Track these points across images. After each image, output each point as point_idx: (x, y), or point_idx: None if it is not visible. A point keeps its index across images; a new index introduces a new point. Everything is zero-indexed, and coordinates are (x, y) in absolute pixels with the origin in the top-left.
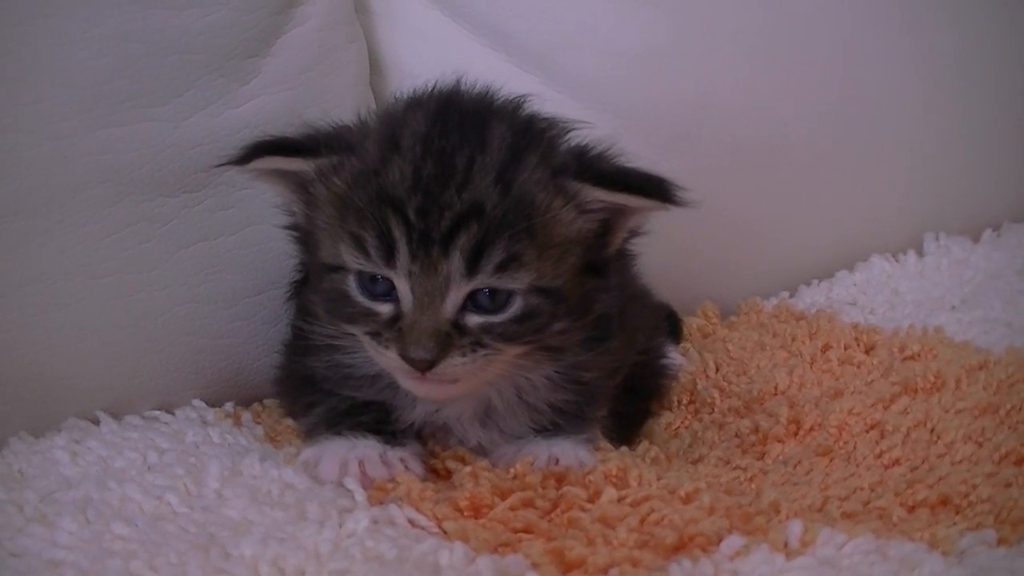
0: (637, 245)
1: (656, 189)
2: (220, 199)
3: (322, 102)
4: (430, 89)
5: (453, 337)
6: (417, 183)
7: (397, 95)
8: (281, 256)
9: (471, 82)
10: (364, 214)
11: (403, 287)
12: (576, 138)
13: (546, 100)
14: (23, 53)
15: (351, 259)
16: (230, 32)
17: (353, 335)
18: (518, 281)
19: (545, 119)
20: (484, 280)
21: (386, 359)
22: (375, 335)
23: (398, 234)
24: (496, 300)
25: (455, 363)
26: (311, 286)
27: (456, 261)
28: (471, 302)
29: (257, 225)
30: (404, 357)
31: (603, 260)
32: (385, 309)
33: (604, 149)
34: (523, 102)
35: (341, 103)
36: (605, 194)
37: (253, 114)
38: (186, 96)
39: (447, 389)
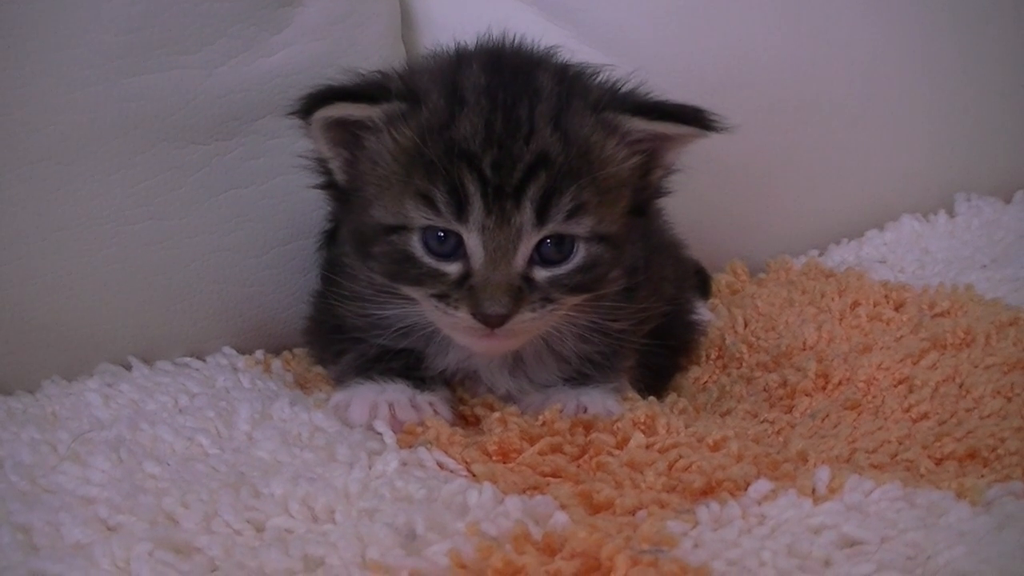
0: (667, 204)
1: (694, 116)
2: (250, 148)
3: (353, 53)
4: (473, 44)
5: (524, 291)
6: (490, 136)
7: (436, 48)
8: (311, 206)
9: (508, 35)
10: (435, 168)
11: (474, 242)
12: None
13: (577, 54)
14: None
15: (418, 215)
16: None
17: (401, 297)
18: (582, 226)
19: (576, 65)
20: (553, 227)
21: (454, 319)
22: (442, 296)
23: (472, 188)
24: (561, 251)
25: (524, 318)
26: (356, 246)
27: (527, 212)
28: (537, 255)
29: (287, 175)
30: (477, 314)
31: (645, 200)
32: (453, 268)
33: (634, 85)
34: (554, 52)
35: (372, 55)
36: (646, 123)
37: (285, 63)
38: (218, 44)
39: (508, 343)
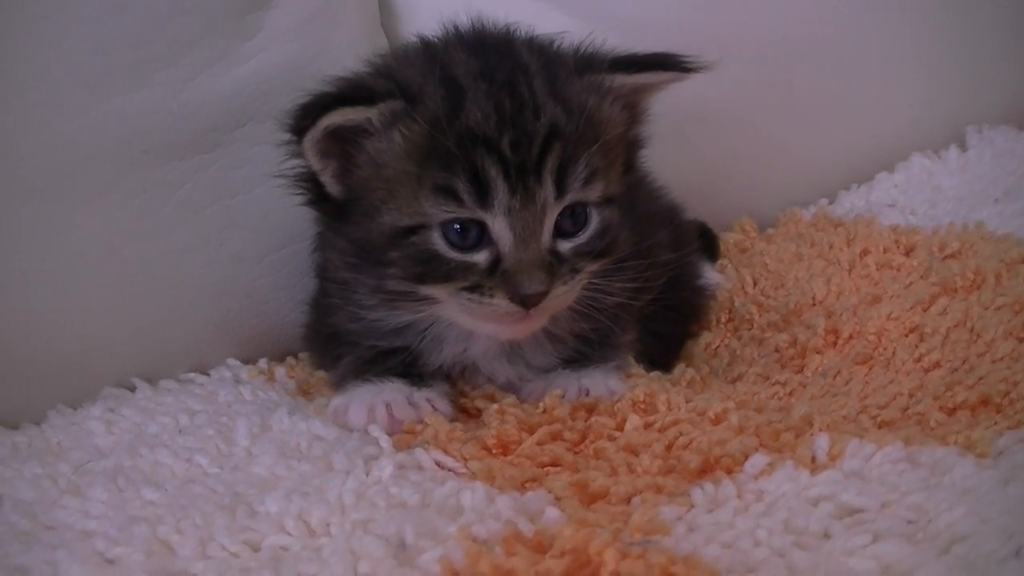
0: (670, 167)
1: (671, 62)
2: (234, 158)
3: (331, 50)
4: (442, 32)
5: (555, 266)
6: (503, 117)
7: (410, 40)
8: (301, 209)
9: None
10: (453, 158)
11: (500, 227)
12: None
13: (553, 23)
14: (17, 33)
15: (438, 210)
16: None
17: (417, 299)
18: (595, 191)
19: (538, 36)
20: (572, 197)
21: (489, 307)
22: (474, 287)
23: (494, 172)
24: (575, 221)
25: (558, 292)
26: (363, 255)
27: (548, 186)
28: (556, 230)
29: (273, 181)
30: (516, 297)
31: (632, 154)
32: (481, 258)
33: (594, 46)
34: (514, 27)
35: (350, 50)
36: (628, 77)
37: (260, 69)
38: (187, 59)
39: (538, 323)
